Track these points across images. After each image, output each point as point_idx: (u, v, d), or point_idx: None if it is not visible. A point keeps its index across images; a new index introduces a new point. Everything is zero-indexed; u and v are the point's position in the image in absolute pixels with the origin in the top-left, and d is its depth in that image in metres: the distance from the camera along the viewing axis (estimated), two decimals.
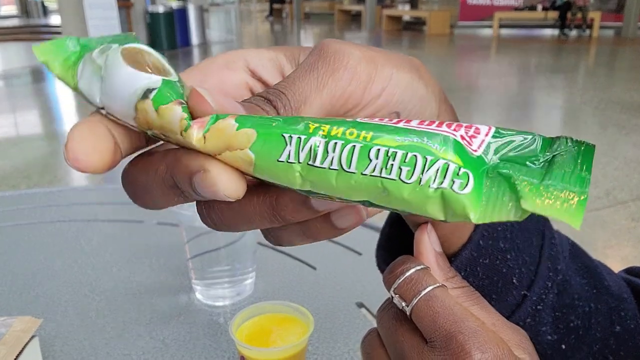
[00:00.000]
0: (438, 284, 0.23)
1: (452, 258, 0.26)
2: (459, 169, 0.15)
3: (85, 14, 8.02)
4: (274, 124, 0.16)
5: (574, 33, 10.22)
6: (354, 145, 0.16)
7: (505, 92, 5.40)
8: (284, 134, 0.16)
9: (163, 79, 0.17)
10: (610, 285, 0.30)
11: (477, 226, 0.26)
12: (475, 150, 0.16)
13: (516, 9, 11.20)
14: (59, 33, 9.36)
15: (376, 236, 0.78)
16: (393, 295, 0.23)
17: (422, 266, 0.24)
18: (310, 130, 0.16)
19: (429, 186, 0.15)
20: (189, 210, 0.57)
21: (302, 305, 0.48)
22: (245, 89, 0.22)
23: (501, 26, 10.92)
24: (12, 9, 17.68)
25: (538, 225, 0.28)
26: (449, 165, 0.15)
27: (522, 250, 0.27)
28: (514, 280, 0.27)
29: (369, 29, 12.53)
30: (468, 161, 0.16)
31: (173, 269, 0.66)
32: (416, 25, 12.49)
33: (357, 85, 0.20)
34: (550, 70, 6.68)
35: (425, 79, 0.23)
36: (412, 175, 0.15)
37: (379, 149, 0.16)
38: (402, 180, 0.16)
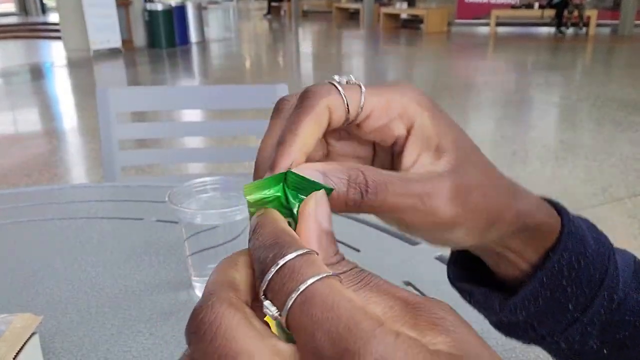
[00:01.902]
0: (323, 274, 0.16)
1: (517, 289, 0.29)
2: None
3: (83, 12, 7.99)
4: None
5: (570, 31, 10.24)
6: None
7: (502, 90, 5.41)
8: None
9: None
10: None
11: (543, 264, 0.29)
12: None
13: (513, 6, 11.21)
14: (57, 31, 9.33)
15: (374, 232, 0.79)
16: (263, 299, 0.17)
17: (302, 250, 0.17)
18: None
19: None
20: (188, 207, 0.58)
21: None
22: None
23: (498, 24, 10.93)
24: (10, 7, 17.62)
25: (604, 260, 0.30)
26: None
27: (583, 284, 0.30)
28: (570, 306, 0.30)
29: (366, 27, 12.52)
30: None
31: (173, 265, 0.66)
32: (414, 23, 12.48)
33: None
34: (547, 68, 6.69)
35: None
36: None
37: None
38: None
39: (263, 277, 0.17)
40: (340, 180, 0.21)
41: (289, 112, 0.23)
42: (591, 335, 0.30)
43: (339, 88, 0.23)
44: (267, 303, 0.16)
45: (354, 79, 0.24)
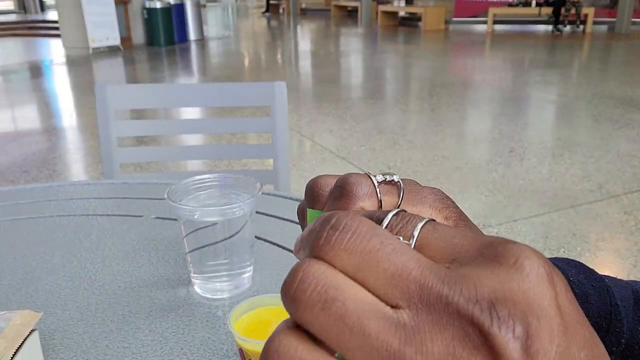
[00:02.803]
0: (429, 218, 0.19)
1: None
2: None
3: (82, 10, 7.97)
4: None
5: (567, 29, 10.25)
6: None
7: (500, 87, 5.42)
8: None
9: None
10: None
11: None
12: None
13: (510, 4, 11.21)
14: (56, 29, 9.30)
15: None
16: None
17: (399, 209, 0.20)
18: None
19: None
20: (187, 205, 0.58)
21: None
22: None
23: (495, 22, 10.93)
24: (9, 4, 17.60)
25: (607, 307, 0.32)
26: None
27: None
28: None
29: (364, 24, 12.51)
30: None
31: (172, 262, 0.67)
32: (411, 21, 12.47)
33: None
34: (544, 66, 6.70)
35: None
36: None
37: None
38: None
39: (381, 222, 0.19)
40: None
41: (324, 201, 0.23)
42: None
43: (377, 191, 0.22)
44: None
45: (396, 178, 0.23)
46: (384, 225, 0.18)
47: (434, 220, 0.18)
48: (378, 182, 0.22)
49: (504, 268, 0.15)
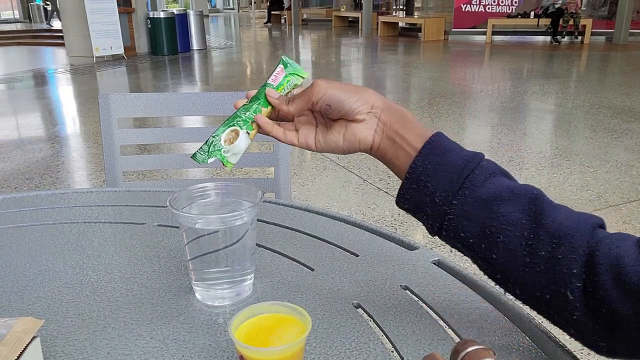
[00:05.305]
0: (493, 358, 0.30)
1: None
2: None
3: (87, 19, 8.04)
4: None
5: (565, 39, 10.33)
6: None
7: (498, 97, 5.44)
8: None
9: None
10: (549, 224, 0.43)
11: (409, 169, 0.49)
12: None
13: (509, 16, 11.30)
14: (60, 37, 9.38)
15: (372, 238, 0.80)
16: None
17: (480, 346, 0.31)
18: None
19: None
20: (189, 212, 0.59)
21: (300, 306, 0.49)
22: None
23: (494, 33, 11.01)
24: (14, 13, 17.79)
25: (463, 170, 0.47)
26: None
27: (441, 181, 0.46)
28: (437, 199, 0.46)
29: (365, 35, 12.60)
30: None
31: (173, 270, 0.67)
32: (411, 32, 12.57)
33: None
34: (542, 76, 6.74)
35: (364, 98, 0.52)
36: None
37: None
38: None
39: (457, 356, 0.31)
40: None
41: None
42: (466, 228, 0.44)
43: None
44: None
45: None
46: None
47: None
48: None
49: None
